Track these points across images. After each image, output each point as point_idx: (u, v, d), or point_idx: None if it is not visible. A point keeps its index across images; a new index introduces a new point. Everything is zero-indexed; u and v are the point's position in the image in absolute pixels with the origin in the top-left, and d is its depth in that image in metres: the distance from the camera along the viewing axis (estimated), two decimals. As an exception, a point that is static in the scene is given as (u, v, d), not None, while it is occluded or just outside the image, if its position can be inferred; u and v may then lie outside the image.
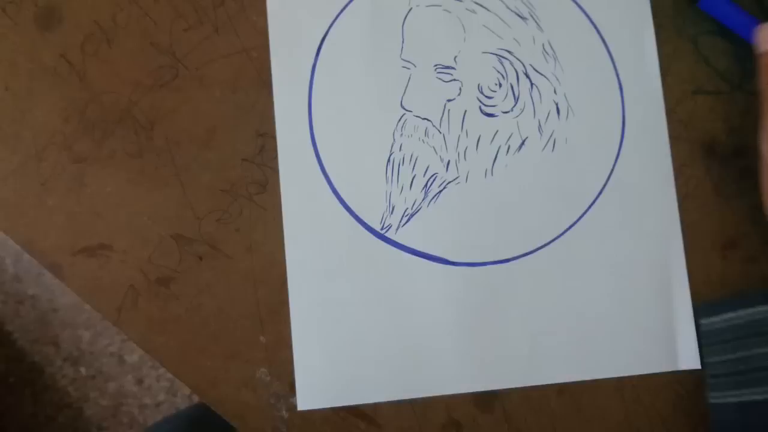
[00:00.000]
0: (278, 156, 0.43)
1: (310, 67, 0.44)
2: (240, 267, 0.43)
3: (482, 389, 0.43)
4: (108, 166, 0.43)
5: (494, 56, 0.45)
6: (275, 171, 0.43)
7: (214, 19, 0.44)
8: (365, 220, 0.43)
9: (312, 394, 0.42)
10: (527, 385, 0.43)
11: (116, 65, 0.44)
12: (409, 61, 0.44)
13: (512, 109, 0.44)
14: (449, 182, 0.44)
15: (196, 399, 1.26)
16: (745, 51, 0.46)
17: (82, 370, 1.36)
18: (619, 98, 0.45)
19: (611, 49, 0.46)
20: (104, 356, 1.36)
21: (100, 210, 0.43)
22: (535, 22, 0.45)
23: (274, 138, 0.44)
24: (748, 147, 0.46)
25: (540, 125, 0.44)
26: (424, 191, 0.43)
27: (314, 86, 0.44)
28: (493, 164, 0.44)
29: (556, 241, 0.44)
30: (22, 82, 0.43)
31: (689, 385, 0.44)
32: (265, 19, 0.44)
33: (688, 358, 0.44)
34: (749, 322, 0.40)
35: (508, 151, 0.44)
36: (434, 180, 0.44)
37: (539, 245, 0.44)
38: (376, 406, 0.43)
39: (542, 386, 0.43)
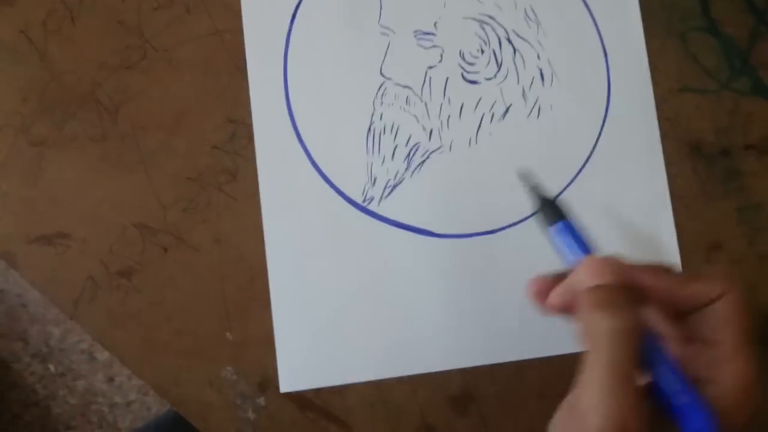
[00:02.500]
0: (254, 131, 0.41)
1: (285, 37, 0.42)
2: (206, 260, 0.41)
3: (472, 364, 0.41)
4: (68, 150, 0.41)
5: (475, 22, 0.43)
6: (247, 159, 0.41)
7: (186, -2, 0.42)
8: (346, 193, 0.41)
9: (294, 376, 0.40)
10: (519, 359, 0.41)
11: (80, 44, 0.41)
12: (387, 28, 0.43)
13: (495, 76, 0.43)
14: (432, 152, 0.42)
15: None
16: (734, 49, 0.45)
17: (51, 367, 1.32)
18: (604, 63, 0.44)
19: (594, 13, 0.45)
20: (74, 353, 1.32)
21: (59, 196, 0.40)
22: None
23: (246, 125, 0.41)
24: (735, 147, 0.45)
25: (524, 92, 0.43)
26: (406, 161, 0.42)
27: (289, 57, 0.42)
28: (477, 132, 0.43)
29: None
30: (-22, 58, 0.41)
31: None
32: (238, 1, 0.42)
33: None
34: None
35: (492, 119, 0.43)
36: (417, 150, 0.42)
37: (526, 215, 0.42)
38: (348, 408, 0.41)
39: (521, 390, 0.41)
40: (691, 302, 0.31)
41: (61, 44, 0.41)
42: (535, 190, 0.33)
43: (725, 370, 0.29)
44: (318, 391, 0.41)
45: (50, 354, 1.30)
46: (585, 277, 0.30)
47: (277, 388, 0.40)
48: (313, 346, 0.40)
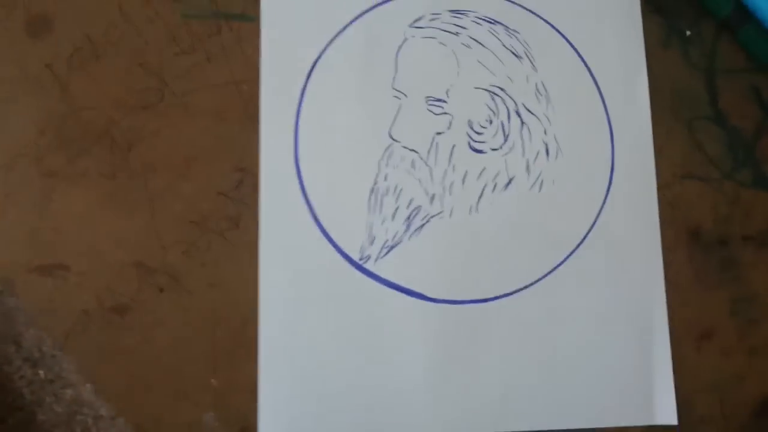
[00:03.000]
0: (260, 181, 0.42)
1: (300, 92, 0.43)
2: (200, 304, 0.41)
3: None
4: (78, 185, 0.41)
5: (487, 92, 0.44)
6: (250, 208, 0.42)
7: (208, 47, 0.43)
8: (344, 249, 0.42)
9: (275, 427, 0.40)
10: (498, 431, 0.41)
11: (101, 82, 0.42)
12: (400, 91, 0.44)
13: (501, 147, 0.44)
14: (433, 216, 0.43)
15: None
16: (739, 140, 0.45)
17: (41, 372, 1.31)
18: (610, 144, 0.45)
19: (604, 93, 0.46)
20: (66, 361, 1.31)
21: (63, 228, 0.41)
22: (530, 61, 0.45)
23: (253, 174, 0.42)
24: (733, 237, 0.45)
25: (528, 165, 0.44)
26: (406, 223, 0.42)
27: (302, 111, 0.43)
28: (479, 201, 0.43)
29: (538, 283, 0.43)
30: (2, 87, 0.42)
31: (652, 477, 0.42)
32: (258, 54, 0.43)
33: (666, 413, 0.42)
34: None
35: (494, 189, 0.43)
36: (417, 213, 0.43)
37: (520, 286, 0.43)
38: (324, 466, 0.41)
39: (499, 463, 0.41)
40: None
41: (83, 80, 0.42)
42: None
43: None
44: (297, 446, 0.41)
45: (42, 359, 1.30)
46: None
47: (257, 438, 0.40)
48: (297, 399, 0.41)
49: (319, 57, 0.44)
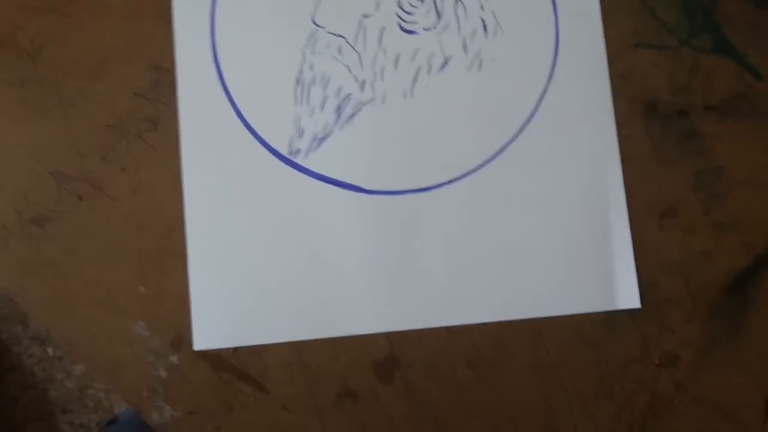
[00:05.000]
0: (177, 78, 0.39)
1: None
2: (123, 210, 0.39)
3: (399, 329, 0.39)
4: (-14, 95, 0.39)
5: None
6: (169, 108, 0.40)
7: (114, -58, 0.41)
8: (271, 144, 0.39)
9: (209, 333, 0.38)
10: (446, 324, 0.39)
11: (3, -14, 0.40)
12: None
13: (435, 26, 0.41)
14: (364, 104, 0.40)
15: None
16: (695, 3, 0.42)
17: (50, 350, 1.33)
18: (552, 14, 0.42)
19: None
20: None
21: (-26, 141, 0.39)
22: None
23: (170, 72, 0.40)
24: (694, 107, 0.42)
25: (465, 43, 0.41)
26: (336, 113, 0.40)
27: (218, 2, 0.40)
28: (413, 85, 0.40)
29: (482, 168, 0.40)
30: None
31: (615, 366, 0.40)
32: (164, -58, 0.41)
33: (628, 297, 0.40)
34: None
35: (429, 71, 0.40)
36: (348, 101, 0.40)
37: (463, 173, 0.40)
38: (265, 369, 0.39)
39: (450, 357, 0.39)
40: None
41: (-16, -14, 0.40)
42: None
43: None
44: (234, 351, 0.39)
45: (49, 337, 1.31)
46: None
47: (191, 346, 0.38)
48: (231, 304, 0.39)
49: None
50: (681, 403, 0.40)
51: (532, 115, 0.41)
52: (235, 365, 0.38)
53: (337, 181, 0.40)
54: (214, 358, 0.38)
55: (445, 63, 0.41)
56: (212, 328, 0.38)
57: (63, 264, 0.39)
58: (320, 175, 0.40)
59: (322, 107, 0.40)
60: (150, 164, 0.39)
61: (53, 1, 0.40)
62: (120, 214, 0.39)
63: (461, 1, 0.41)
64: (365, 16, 0.41)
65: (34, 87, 0.39)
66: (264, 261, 0.39)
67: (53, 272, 0.39)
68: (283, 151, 0.40)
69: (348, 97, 0.40)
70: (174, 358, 0.38)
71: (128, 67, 0.40)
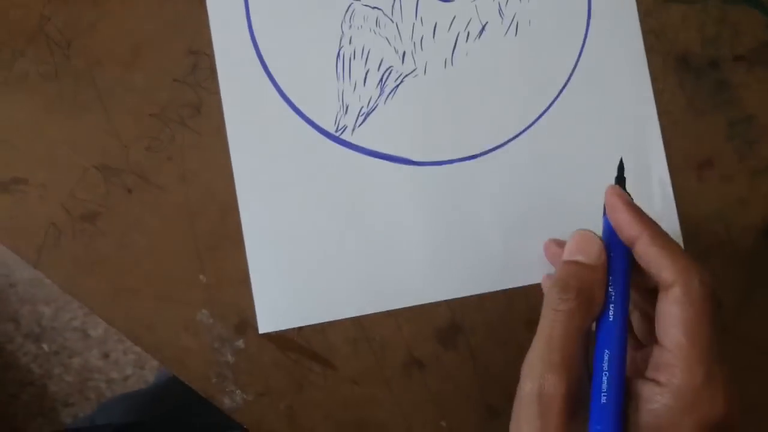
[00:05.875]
0: (216, 62, 0.39)
1: None
2: (174, 199, 0.39)
3: (458, 295, 0.40)
4: (20, 91, 0.38)
5: None
6: (210, 92, 0.39)
7: (136, -77, 0.39)
8: (318, 123, 0.39)
9: (273, 316, 0.39)
10: (504, 287, 0.40)
11: (24, -24, 0.38)
12: None
13: None
14: (406, 75, 0.40)
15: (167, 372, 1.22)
16: (719, -46, 0.42)
17: (45, 346, 1.31)
18: None
19: None
20: (67, 331, 1.31)
21: (13, 140, 0.38)
22: None
23: (208, 55, 0.39)
24: (724, 59, 0.43)
25: (500, 8, 0.41)
26: (379, 87, 0.40)
27: None
28: (453, 53, 0.40)
29: (526, 132, 0.41)
30: None
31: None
32: None
33: None
34: None
35: (467, 38, 0.40)
36: (390, 74, 0.40)
37: (509, 137, 0.41)
38: (331, 346, 0.39)
39: (509, 319, 0.40)
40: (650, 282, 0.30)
41: (3, -23, 0.38)
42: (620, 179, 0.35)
43: (667, 374, 0.28)
44: (299, 330, 0.39)
45: (43, 333, 1.29)
46: (570, 248, 0.32)
47: (256, 329, 0.39)
48: (292, 284, 0.39)
49: None
50: (726, 345, 0.42)
51: (570, 75, 0.41)
52: (301, 344, 0.39)
53: (385, 155, 0.40)
54: (280, 339, 0.39)
55: (483, 29, 0.41)
56: (276, 311, 0.39)
57: (119, 259, 0.38)
58: (368, 150, 0.40)
59: (365, 81, 0.40)
60: (196, 151, 0.39)
61: (79, -12, 0.39)
62: (171, 203, 0.39)
63: None
64: None
65: (69, 80, 0.38)
66: (320, 239, 0.39)
67: (109, 268, 0.38)
68: (330, 129, 0.39)
69: (389, 69, 0.40)
70: (240, 343, 0.39)
71: (164, 54, 0.39)
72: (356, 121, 0.40)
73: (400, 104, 0.40)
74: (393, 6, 0.40)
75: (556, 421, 0.28)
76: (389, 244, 0.39)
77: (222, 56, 0.39)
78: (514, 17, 0.41)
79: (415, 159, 0.40)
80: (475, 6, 0.41)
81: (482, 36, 0.41)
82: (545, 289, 0.37)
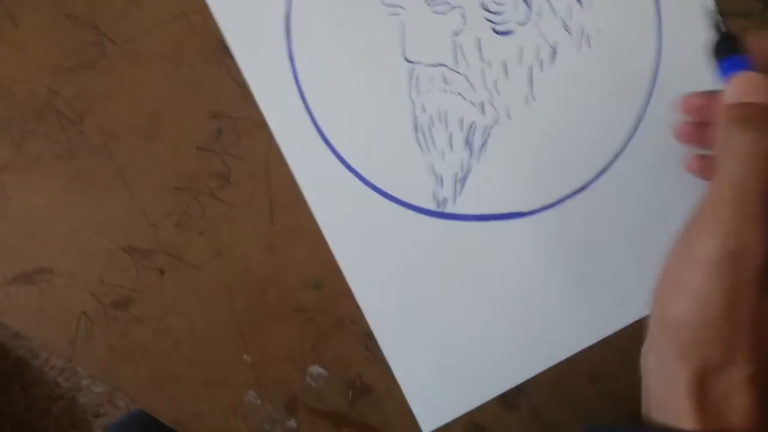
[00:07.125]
0: (283, 153, 0.36)
1: (283, 17, 0.36)
2: (209, 277, 0.36)
3: (600, 338, 0.38)
4: (34, 174, 0.35)
5: None
6: (238, 159, 0.36)
7: (140, -23, 0.36)
8: (417, 204, 0.37)
9: (431, 413, 0.37)
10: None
11: (26, 48, 0.35)
12: (394, 5, 0.36)
13: (529, 18, 0.37)
14: (492, 127, 0.37)
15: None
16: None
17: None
18: None
19: None
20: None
21: (32, 227, 0.35)
22: None
23: (232, 119, 0.36)
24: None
25: (565, 23, 0.37)
26: (468, 147, 0.37)
27: (293, 48, 0.36)
28: (531, 87, 0.37)
29: (628, 147, 0.38)
30: None
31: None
32: (202, -27, 0.36)
33: None
34: None
35: (542, 66, 0.37)
36: (474, 130, 0.37)
37: (614, 154, 0.38)
38: (386, 417, 0.37)
39: (572, 375, 0.38)
40: None
41: (4, 51, 0.35)
42: (716, 24, 0.32)
43: None
44: (353, 404, 0.37)
45: (67, 347, 1.29)
46: (734, 93, 0.28)
47: (306, 406, 0.37)
48: (441, 375, 0.37)
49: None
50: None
51: (655, 77, 0.38)
52: (355, 418, 0.37)
53: (495, 215, 0.37)
54: (333, 415, 0.37)
55: (554, 52, 0.37)
56: (435, 406, 0.37)
57: (157, 345, 0.36)
58: (477, 215, 0.37)
59: (451, 146, 0.37)
60: (229, 223, 0.36)
61: (86, 57, 0.35)
62: (207, 282, 0.36)
63: None
64: (456, 33, 0.37)
65: (85, 157, 0.35)
66: (452, 320, 0.37)
67: (148, 355, 0.36)
68: (431, 206, 0.37)
69: (472, 125, 0.37)
70: (292, 422, 0.37)
71: (185, 120, 0.36)
72: (455, 189, 0.37)
73: (495, 158, 0.37)
74: (456, 57, 0.37)
75: (751, 277, 0.24)
76: (525, 305, 0.37)
77: (287, 146, 0.36)
78: (582, 29, 0.38)
79: (526, 210, 0.37)
80: (539, 29, 0.37)
81: (555, 59, 0.37)
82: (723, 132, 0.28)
